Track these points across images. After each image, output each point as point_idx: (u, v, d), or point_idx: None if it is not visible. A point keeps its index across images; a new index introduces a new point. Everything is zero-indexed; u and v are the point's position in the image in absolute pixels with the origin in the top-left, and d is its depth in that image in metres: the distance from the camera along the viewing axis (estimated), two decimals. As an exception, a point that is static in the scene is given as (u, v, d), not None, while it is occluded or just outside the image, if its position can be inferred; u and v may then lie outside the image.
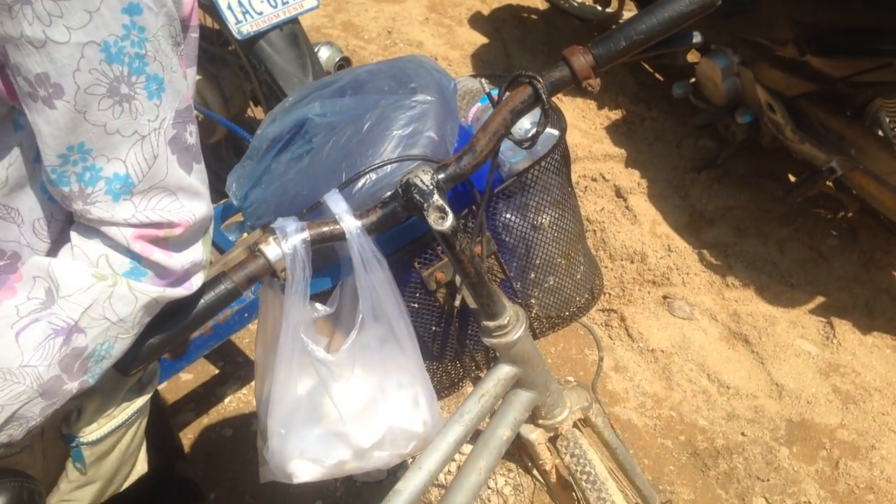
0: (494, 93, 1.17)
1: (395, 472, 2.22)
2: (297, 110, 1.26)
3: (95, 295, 0.82)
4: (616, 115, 3.56)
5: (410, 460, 2.19)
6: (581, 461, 1.23)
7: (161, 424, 1.36)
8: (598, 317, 2.70)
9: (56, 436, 0.98)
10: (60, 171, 0.80)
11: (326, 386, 1.08)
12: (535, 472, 1.54)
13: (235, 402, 2.40)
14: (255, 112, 3.01)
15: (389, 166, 1.09)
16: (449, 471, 2.17)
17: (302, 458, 1.12)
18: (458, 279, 1.18)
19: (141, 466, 1.12)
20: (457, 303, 1.18)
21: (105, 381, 0.93)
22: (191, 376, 2.46)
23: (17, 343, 0.80)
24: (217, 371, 2.48)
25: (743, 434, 2.30)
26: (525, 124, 1.28)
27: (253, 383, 2.43)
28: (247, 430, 2.32)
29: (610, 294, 2.75)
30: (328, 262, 1.10)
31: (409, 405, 1.13)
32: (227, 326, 2.03)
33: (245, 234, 1.24)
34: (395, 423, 1.12)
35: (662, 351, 2.54)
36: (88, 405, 0.97)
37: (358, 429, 1.11)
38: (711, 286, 2.76)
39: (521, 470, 2.20)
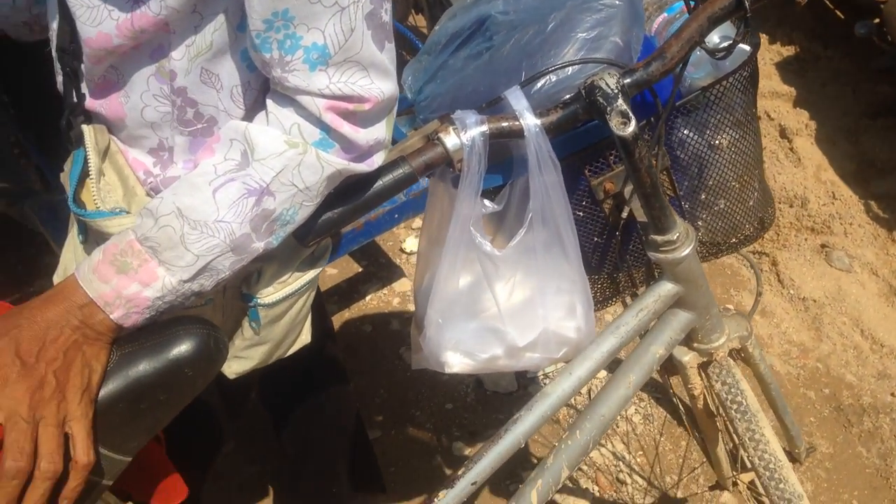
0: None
1: (526, 386, 2.25)
2: (478, 7, 1.25)
3: (286, 161, 0.85)
4: (788, 51, 3.35)
5: (547, 378, 2.21)
6: (733, 390, 1.20)
7: (318, 304, 1.41)
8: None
9: (236, 295, 1.04)
10: (264, 37, 0.83)
11: (489, 281, 1.09)
12: (675, 399, 1.53)
13: (376, 301, 2.47)
14: (416, 20, 3.01)
15: (571, 68, 1.07)
16: (581, 393, 2.17)
17: (456, 349, 1.15)
18: (626, 191, 1.16)
19: (305, 336, 1.17)
20: (623, 214, 1.16)
21: (284, 248, 0.98)
22: (336, 271, 2.55)
23: (214, 199, 0.84)
24: (360, 269, 2.56)
25: (893, 395, 2.19)
26: (714, 38, 1.22)
27: (393, 285, 2.50)
28: (385, 328, 2.40)
29: (763, 237, 2.64)
30: (500, 160, 1.10)
31: (565, 311, 1.13)
32: (378, 225, 2.07)
33: (415, 129, 1.25)
34: (550, 327, 1.13)
35: (814, 300, 2.43)
36: (267, 269, 1.02)
37: (514, 327, 1.12)
38: (876, 239, 2.60)
39: (652, 400, 2.18)
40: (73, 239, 1.08)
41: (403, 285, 2.50)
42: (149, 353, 0.86)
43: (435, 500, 1.18)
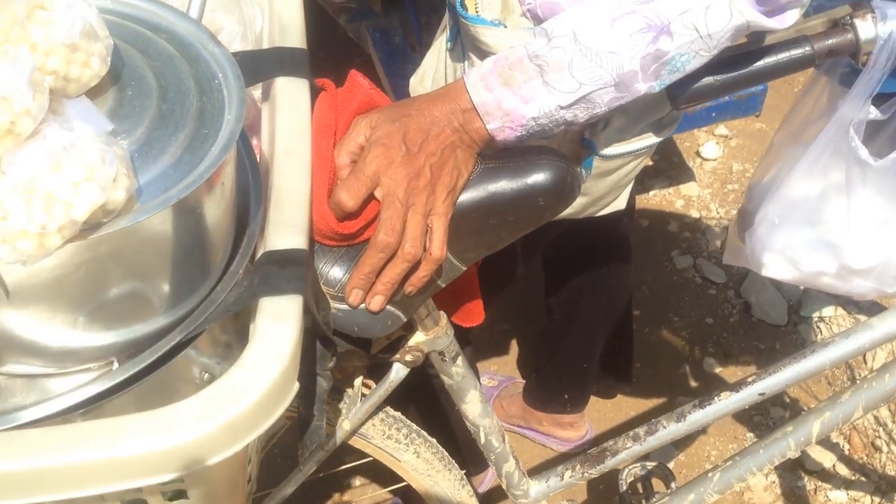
0: None
1: (796, 323, 2.13)
2: None
3: (695, 1, 0.81)
4: None
5: (822, 322, 2.07)
6: None
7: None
8: None
9: (575, 138, 1.03)
10: None
11: (849, 191, 1.01)
12: None
13: (658, 198, 2.41)
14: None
15: None
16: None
17: (782, 253, 1.09)
18: None
19: (621, 201, 1.17)
20: None
21: (639, 104, 0.95)
22: (623, 160, 2.50)
23: (611, 29, 0.82)
24: (650, 162, 2.50)
25: None
26: None
27: (680, 186, 2.43)
28: (662, 226, 2.34)
29: None
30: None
31: (922, 245, 1.03)
32: (692, 119, 2.00)
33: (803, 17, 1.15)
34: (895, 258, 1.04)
35: None
36: (616, 121, 1.01)
37: (855, 247, 1.05)
38: None
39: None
40: (440, 44, 1.14)
41: (690, 189, 2.41)
42: (509, 173, 0.88)
43: (716, 398, 1.15)
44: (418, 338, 1.03)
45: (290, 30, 0.92)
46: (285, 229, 0.73)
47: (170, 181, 0.63)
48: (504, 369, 2.09)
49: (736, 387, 1.15)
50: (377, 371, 1.09)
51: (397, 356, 1.03)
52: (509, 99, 0.85)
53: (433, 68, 1.18)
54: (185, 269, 0.68)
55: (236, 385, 0.61)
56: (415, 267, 0.85)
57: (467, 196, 0.88)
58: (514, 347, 2.12)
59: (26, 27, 0.59)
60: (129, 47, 0.69)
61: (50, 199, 0.54)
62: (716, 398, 1.16)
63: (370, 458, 1.19)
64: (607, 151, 1.05)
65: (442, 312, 1.04)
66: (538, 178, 0.87)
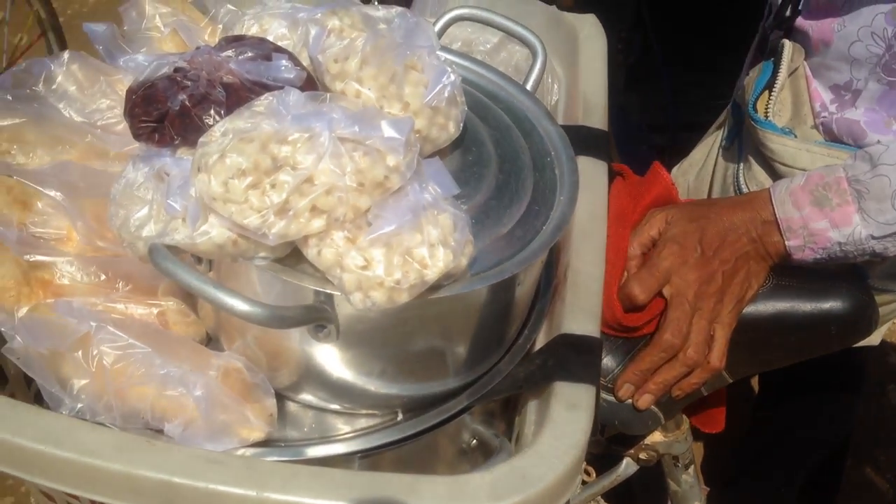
0: None
1: None
2: None
3: None
4: None
5: None
6: None
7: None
8: None
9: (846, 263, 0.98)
10: None
11: None
12: None
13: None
14: None
15: None
16: None
17: None
18: None
19: (874, 338, 1.13)
20: None
21: None
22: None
23: None
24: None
25: None
26: None
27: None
28: (880, 355, 2.18)
29: None
30: None
31: None
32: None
33: None
34: None
35: None
36: None
37: None
38: None
39: None
40: (712, 140, 1.14)
41: (925, 324, 2.23)
42: (804, 295, 0.83)
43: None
44: (656, 437, 0.99)
45: (595, 111, 0.92)
46: (581, 314, 0.72)
47: (500, 253, 0.63)
48: (687, 471, 1.99)
49: None
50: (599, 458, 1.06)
51: (631, 451, 1.00)
52: (817, 220, 0.81)
53: (700, 163, 1.16)
54: (486, 337, 0.68)
55: (529, 469, 0.60)
56: (688, 372, 0.82)
57: (754, 309, 0.84)
58: (700, 449, 2.02)
59: (401, 86, 0.62)
60: (471, 114, 0.71)
61: (408, 256, 0.55)
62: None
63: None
64: (879, 285, 0.98)
65: (685, 416, 1.00)
66: (836, 305, 0.82)
